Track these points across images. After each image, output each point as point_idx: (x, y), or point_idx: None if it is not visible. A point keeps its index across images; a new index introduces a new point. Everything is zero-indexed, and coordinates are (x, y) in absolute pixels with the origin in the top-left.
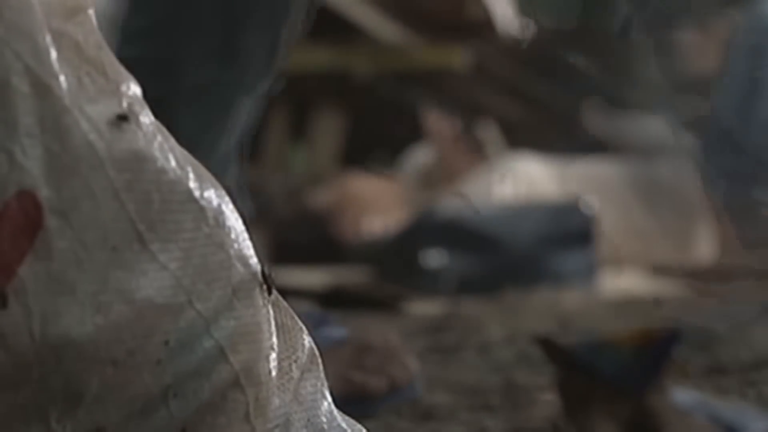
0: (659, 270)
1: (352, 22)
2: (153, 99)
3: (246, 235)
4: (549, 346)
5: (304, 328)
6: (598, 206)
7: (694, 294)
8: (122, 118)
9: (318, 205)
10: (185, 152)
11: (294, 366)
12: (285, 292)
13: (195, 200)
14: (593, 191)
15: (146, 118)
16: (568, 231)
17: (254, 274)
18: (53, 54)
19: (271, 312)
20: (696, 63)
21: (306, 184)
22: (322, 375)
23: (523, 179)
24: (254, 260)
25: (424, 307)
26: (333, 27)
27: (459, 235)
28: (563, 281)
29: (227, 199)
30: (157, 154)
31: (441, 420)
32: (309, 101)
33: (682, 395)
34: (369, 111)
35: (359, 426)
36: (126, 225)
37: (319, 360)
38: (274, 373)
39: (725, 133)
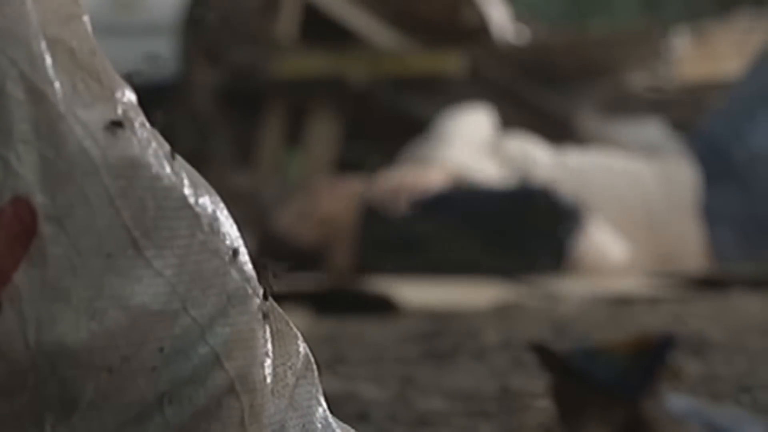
0: (653, 275)
1: (347, 28)
2: None
3: (241, 242)
4: (544, 353)
5: (298, 334)
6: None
7: (689, 300)
8: (117, 125)
9: (296, 235)
10: (180, 159)
11: (289, 372)
12: (279, 297)
13: (190, 207)
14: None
15: (141, 124)
16: (530, 213)
17: (249, 280)
18: (48, 60)
19: (266, 318)
20: (689, 71)
21: (301, 189)
22: (317, 381)
23: (519, 159)
24: (249, 267)
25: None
26: (329, 33)
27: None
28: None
29: (222, 205)
30: (152, 160)
31: (436, 425)
32: (305, 107)
33: (676, 401)
34: (365, 116)
35: None
36: (121, 231)
37: (314, 366)
38: (269, 380)
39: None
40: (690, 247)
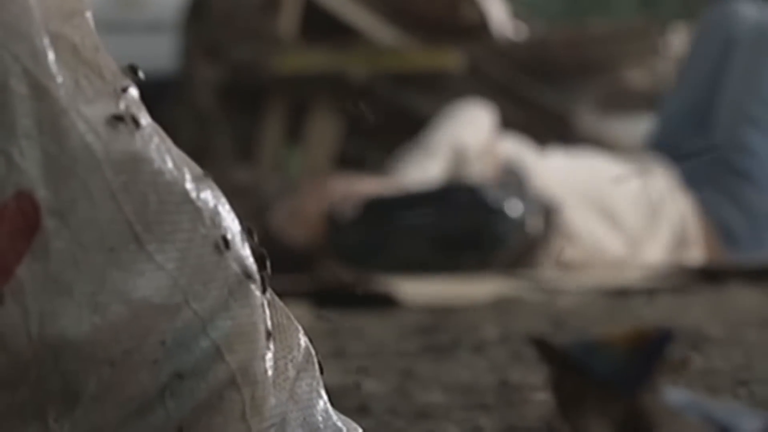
0: (650, 270)
1: (348, 25)
2: None
3: (242, 236)
4: (543, 346)
5: (299, 327)
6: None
7: (686, 293)
8: (119, 120)
9: (289, 233)
10: (182, 153)
11: (290, 365)
12: (280, 293)
13: (191, 201)
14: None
15: (143, 119)
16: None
17: (250, 274)
18: (51, 56)
19: (267, 312)
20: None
21: (294, 188)
22: (318, 374)
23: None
24: (250, 261)
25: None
26: (329, 29)
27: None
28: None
29: (224, 200)
30: (154, 155)
31: (436, 419)
32: (305, 103)
33: (674, 395)
34: (365, 113)
35: (354, 425)
36: (123, 226)
37: (315, 359)
38: (270, 373)
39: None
40: (689, 235)
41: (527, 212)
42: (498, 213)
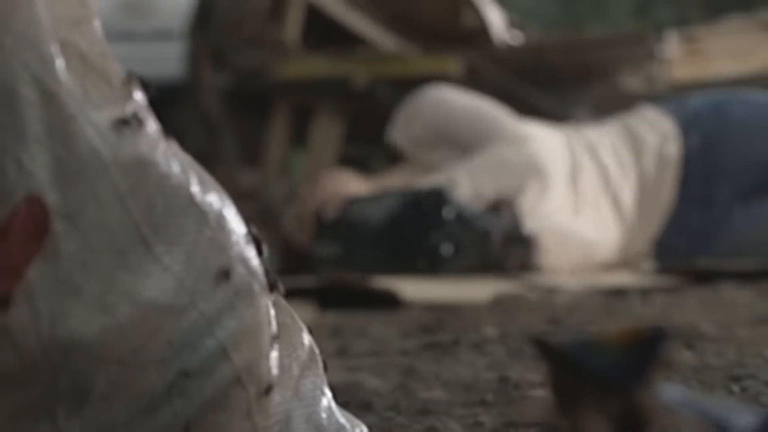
0: (648, 267)
1: (350, 32)
2: None
3: (247, 238)
4: (541, 345)
5: (303, 326)
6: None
7: (680, 292)
8: (126, 125)
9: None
10: (188, 157)
11: (294, 364)
12: (285, 293)
13: (197, 204)
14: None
15: (150, 124)
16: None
17: (255, 275)
18: (59, 63)
19: (272, 312)
20: (679, 73)
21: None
22: (322, 372)
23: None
24: (255, 262)
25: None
26: (332, 36)
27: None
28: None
29: (229, 203)
30: (161, 159)
31: (437, 415)
32: (309, 108)
33: (669, 392)
34: (367, 116)
35: (358, 421)
36: (130, 228)
37: (319, 358)
38: (274, 371)
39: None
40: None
41: (489, 226)
42: (454, 221)
